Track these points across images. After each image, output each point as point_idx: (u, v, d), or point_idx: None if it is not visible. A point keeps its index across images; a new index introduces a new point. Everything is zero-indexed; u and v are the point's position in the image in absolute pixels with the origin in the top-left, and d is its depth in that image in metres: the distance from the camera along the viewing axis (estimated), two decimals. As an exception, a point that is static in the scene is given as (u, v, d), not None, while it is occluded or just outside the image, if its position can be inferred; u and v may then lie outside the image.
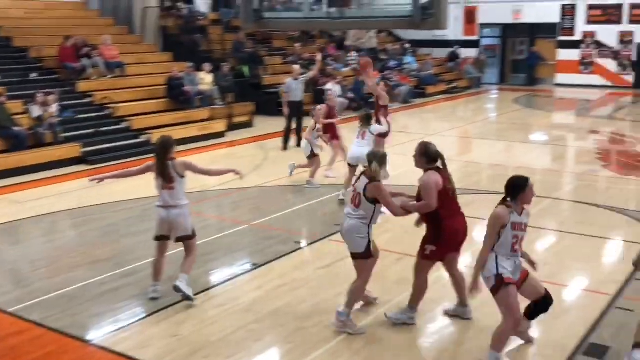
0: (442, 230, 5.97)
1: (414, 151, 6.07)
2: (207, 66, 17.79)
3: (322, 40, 25.10)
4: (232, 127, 17.17)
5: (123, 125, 15.14)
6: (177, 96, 16.52)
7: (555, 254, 8.29)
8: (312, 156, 11.70)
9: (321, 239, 9.03)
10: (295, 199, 11.18)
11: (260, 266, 7.92)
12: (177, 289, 6.73)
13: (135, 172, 7.13)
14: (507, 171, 12.11)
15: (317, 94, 19.74)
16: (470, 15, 30.04)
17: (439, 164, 6.03)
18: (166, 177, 6.72)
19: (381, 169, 6.06)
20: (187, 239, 6.93)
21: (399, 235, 8.78)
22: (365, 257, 6.17)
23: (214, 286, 7.42)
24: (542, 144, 16.75)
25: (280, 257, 8.21)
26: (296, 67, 15.96)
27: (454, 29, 28.87)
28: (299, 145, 15.15)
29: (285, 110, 15.07)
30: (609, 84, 27.51)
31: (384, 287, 7.13)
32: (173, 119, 15.81)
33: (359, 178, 6.23)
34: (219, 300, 7.00)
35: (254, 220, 9.74)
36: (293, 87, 15.02)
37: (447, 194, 5.93)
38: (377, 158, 6.06)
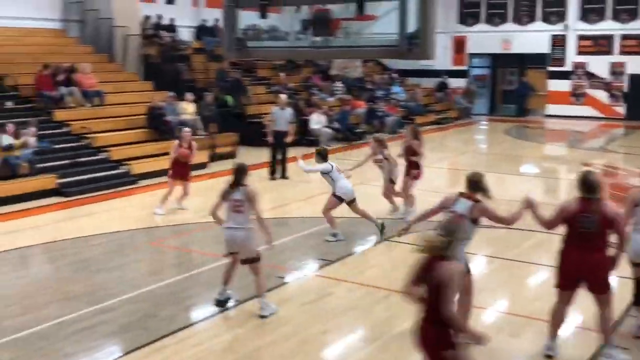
0: (558, 257, 6.02)
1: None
2: (189, 95, 17.54)
3: (307, 69, 25.00)
4: (215, 157, 16.86)
5: (101, 155, 14.78)
6: (158, 126, 16.20)
7: (549, 289, 8.01)
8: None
9: (306, 274, 8.74)
10: (279, 232, 10.83)
11: (242, 302, 7.58)
12: (262, 317, 7.11)
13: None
14: (499, 204, 11.94)
15: (302, 125, 19.59)
16: (459, 45, 29.99)
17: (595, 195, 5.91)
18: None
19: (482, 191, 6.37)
20: (251, 262, 7.16)
21: (387, 271, 8.52)
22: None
23: (192, 324, 7.12)
24: (533, 176, 16.54)
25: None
26: (282, 96, 15.76)
27: (442, 59, 28.70)
28: (283, 176, 14.91)
29: (270, 139, 14.84)
30: (600, 115, 27.31)
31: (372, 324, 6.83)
32: (154, 150, 15.47)
33: (455, 201, 6.30)
34: (197, 338, 6.70)
35: (236, 255, 9.40)
36: (278, 116, 14.80)
37: (575, 225, 5.86)
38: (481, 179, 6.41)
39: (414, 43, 5.24)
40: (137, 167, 14.66)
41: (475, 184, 6.35)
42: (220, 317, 7.24)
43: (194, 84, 20.10)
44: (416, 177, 11.18)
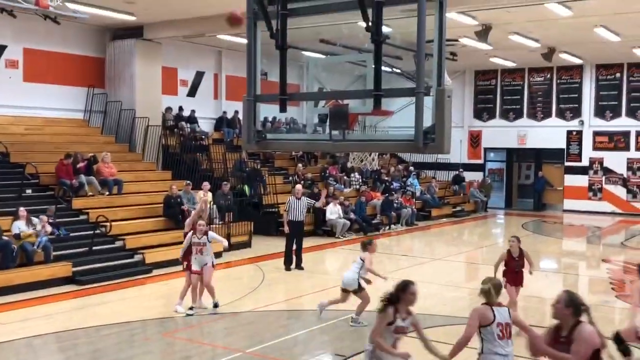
0: None
1: (554, 300, 5.32)
2: (206, 184, 17.66)
3: (323, 161, 25.23)
4: (230, 246, 16.78)
5: (117, 244, 14.79)
6: (174, 215, 16.26)
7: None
8: (359, 290, 10.24)
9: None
10: (293, 325, 10.67)
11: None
12: None
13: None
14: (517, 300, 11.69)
15: (318, 215, 19.63)
16: (474, 139, 30.32)
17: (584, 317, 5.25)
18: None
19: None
20: None
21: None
22: None
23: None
24: (552, 272, 16.24)
25: (276, 390, 7.67)
26: (298, 186, 15.85)
27: (458, 152, 29.03)
28: (298, 267, 14.79)
29: (286, 229, 14.83)
30: (618, 210, 27.09)
31: None
32: (169, 238, 15.44)
33: (493, 312, 6.00)
34: None
35: (249, 348, 9.20)
36: (294, 206, 14.84)
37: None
38: (493, 283, 6.19)
39: (430, 138, 5.24)
40: (152, 256, 14.60)
41: (500, 289, 6.25)
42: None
43: (212, 173, 20.31)
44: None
